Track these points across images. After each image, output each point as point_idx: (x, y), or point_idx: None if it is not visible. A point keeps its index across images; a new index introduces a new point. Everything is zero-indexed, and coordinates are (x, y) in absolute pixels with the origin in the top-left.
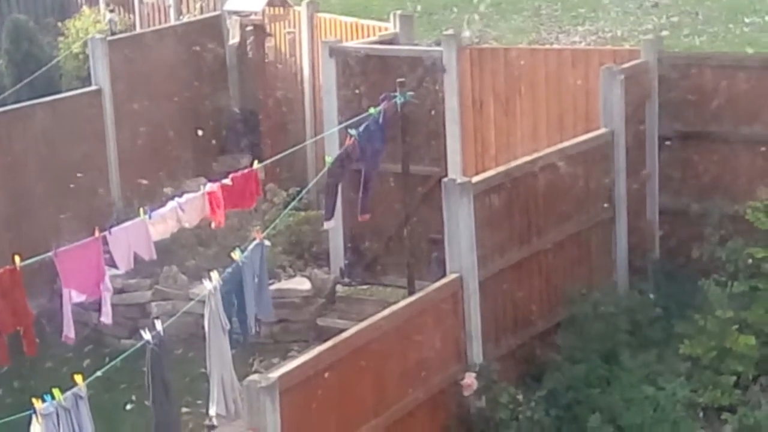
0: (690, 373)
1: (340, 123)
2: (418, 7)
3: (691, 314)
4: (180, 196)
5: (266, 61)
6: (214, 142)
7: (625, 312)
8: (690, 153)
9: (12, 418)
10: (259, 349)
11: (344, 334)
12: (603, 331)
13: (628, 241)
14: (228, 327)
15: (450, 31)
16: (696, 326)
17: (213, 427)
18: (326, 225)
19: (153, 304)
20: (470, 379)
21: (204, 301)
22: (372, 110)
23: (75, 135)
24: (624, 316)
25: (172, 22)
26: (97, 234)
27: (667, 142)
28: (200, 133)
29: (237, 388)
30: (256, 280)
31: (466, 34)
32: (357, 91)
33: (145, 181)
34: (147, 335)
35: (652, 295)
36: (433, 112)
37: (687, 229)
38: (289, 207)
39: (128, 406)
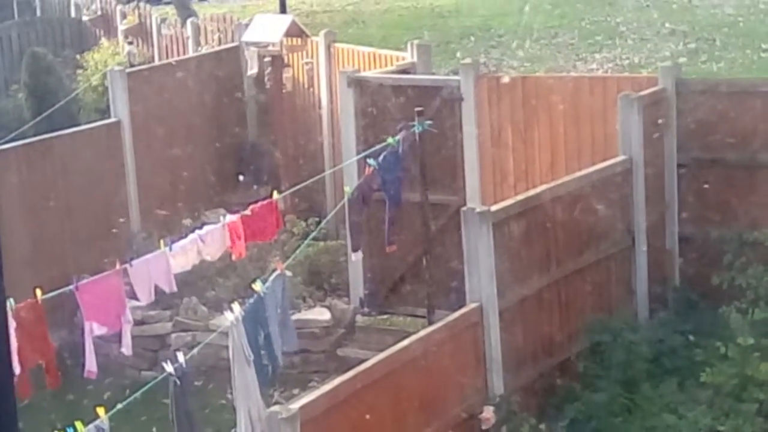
0: (711, 401)
1: (358, 153)
2: (436, 37)
3: (712, 342)
4: (200, 227)
5: (284, 91)
6: (232, 172)
7: (645, 340)
8: (709, 180)
9: None
10: (279, 379)
11: (364, 365)
12: (624, 360)
13: (648, 269)
14: (252, 358)
15: (467, 60)
16: (717, 354)
17: None
18: (354, 257)
19: (173, 335)
20: (488, 413)
21: (225, 333)
22: (390, 140)
23: (94, 167)
24: (645, 344)
25: (191, 53)
26: (117, 266)
27: (686, 169)
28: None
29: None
30: (279, 310)
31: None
32: (375, 121)
33: (163, 212)
34: (169, 367)
35: (672, 323)
36: (451, 141)
37: (707, 257)
38: (309, 238)
39: None
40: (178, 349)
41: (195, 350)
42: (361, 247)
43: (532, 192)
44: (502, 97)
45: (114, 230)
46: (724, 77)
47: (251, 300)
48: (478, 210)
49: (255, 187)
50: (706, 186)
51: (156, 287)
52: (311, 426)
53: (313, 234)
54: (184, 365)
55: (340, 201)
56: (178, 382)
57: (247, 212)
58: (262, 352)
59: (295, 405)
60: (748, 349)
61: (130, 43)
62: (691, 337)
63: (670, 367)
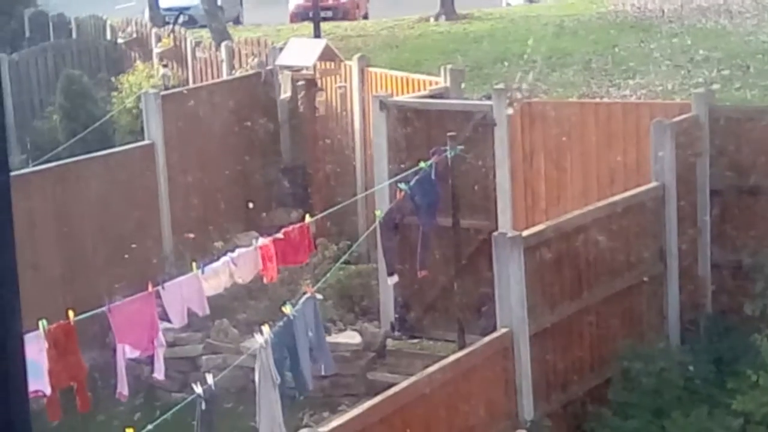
0: (742, 429)
1: (390, 177)
2: (469, 62)
3: (743, 370)
4: (232, 250)
5: (317, 115)
6: (264, 195)
7: (677, 367)
8: (742, 207)
9: None
10: (309, 402)
11: (394, 389)
12: (655, 387)
13: (680, 296)
14: (278, 381)
15: (500, 85)
16: (748, 382)
17: None
18: (389, 281)
19: (204, 357)
20: None
21: (255, 355)
22: (423, 164)
23: (128, 189)
24: (676, 371)
25: (225, 76)
26: (150, 289)
27: (718, 196)
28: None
29: None
30: (311, 334)
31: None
32: (407, 145)
33: (191, 235)
34: (198, 389)
35: (703, 351)
36: (483, 166)
37: (739, 284)
38: (340, 261)
39: None
40: (208, 371)
41: (224, 372)
42: (396, 271)
43: (563, 217)
44: (534, 122)
45: (146, 252)
46: (758, 104)
47: (281, 323)
48: (509, 235)
49: (287, 210)
50: (738, 213)
51: (189, 310)
52: None
53: (344, 257)
54: (213, 387)
55: (372, 225)
56: (204, 405)
57: (280, 235)
58: (287, 373)
59: (325, 428)
60: None
61: (165, 65)
62: (722, 365)
63: (701, 394)
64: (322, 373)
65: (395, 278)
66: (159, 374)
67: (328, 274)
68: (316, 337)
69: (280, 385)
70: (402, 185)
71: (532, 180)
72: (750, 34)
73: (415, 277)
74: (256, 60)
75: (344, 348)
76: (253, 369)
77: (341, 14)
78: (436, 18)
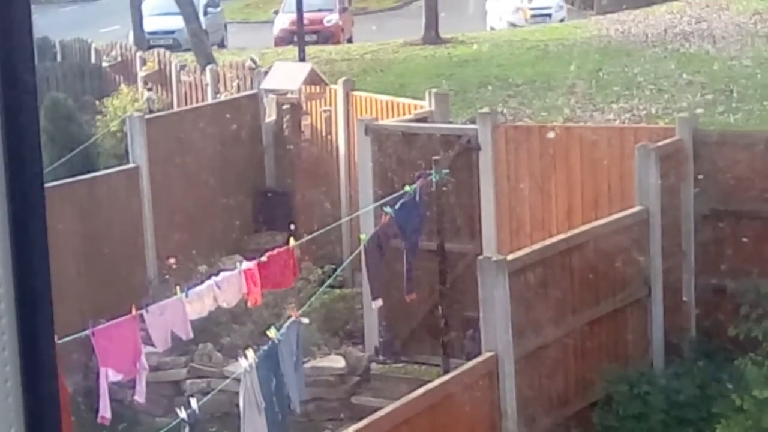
0: None
1: (375, 201)
2: (453, 86)
3: (728, 394)
4: (216, 274)
5: (302, 138)
6: (250, 219)
7: (661, 391)
8: (726, 231)
9: None
10: (293, 427)
11: (379, 413)
12: (639, 411)
13: (664, 319)
14: (263, 405)
15: (485, 109)
16: (732, 406)
17: None
18: (374, 305)
19: (188, 381)
20: None
21: (239, 379)
22: (408, 188)
23: (112, 212)
24: (660, 395)
25: (210, 100)
26: (134, 312)
27: (702, 220)
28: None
29: None
30: (294, 357)
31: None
32: (392, 169)
33: (172, 260)
34: (182, 413)
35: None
36: (468, 190)
37: (723, 308)
38: (325, 285)
39: None
40: (192, 395)
41: (208, 396)
42: (381, 295)
43: (548, 241)
44: (519, 146)
45: (130, 275)
46: (741, 128)
47: (265, 347)
48: (494, 259)
49: (271, 233)
50: (722, 237)
51: (172, 333)
52: None
53: (329, 281)
54: (197, 411)
55: (357, 249)
56: (188, 429)
57: (264, 259)
58: (274, 398)
59: None
60: (764, 402)
61: (150, 89)
62: (707, 389)
63: (685, 418)
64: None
65: (380, 302)
66: (140, 397)
67: (313, 298)
68: (296, 362)
69: (265, 410)
70: (387, 209)
71: (516, 204)
72: (733, 59)
73: (400, 301)
74: (236, 83)
75: (328, 372)
76: (237, 393)
77: (326, 38)
78: (421, 42)
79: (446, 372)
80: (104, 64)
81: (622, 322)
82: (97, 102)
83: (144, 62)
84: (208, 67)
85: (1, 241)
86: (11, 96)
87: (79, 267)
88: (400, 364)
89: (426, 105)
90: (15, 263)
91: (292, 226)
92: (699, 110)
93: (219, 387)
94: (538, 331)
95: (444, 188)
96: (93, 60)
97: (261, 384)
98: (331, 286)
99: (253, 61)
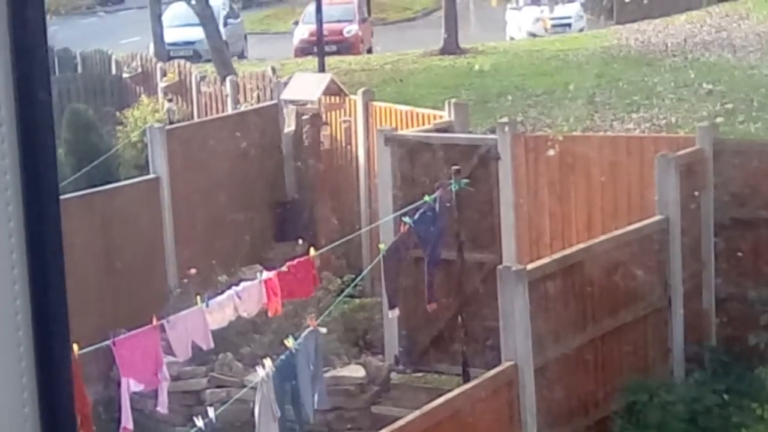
0: None
1: (395, 211)
2: (473, 96)
3: (747, 403)
4: (237, 284)
5: (322, 149)
6: (269, 229)
7: (681, 400)
8: (746, 240)
9: None
10: None
11: (398, 423)
12: (659, 420)
13: (684, 329)
14: (279, 415)
15: (504, 119)
16: (753, 415)
17: None
18: (390, 314)
19: (208, 391)
20: None
21: (256, 388)
22: (427, 198)
23: (133, 223)
24: (680, 404)
25: (230, 111)
26: (154, 322)
27: (723, 229)
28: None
29: None
30: (312, 367)
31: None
32: (412, 179)
33: (193, 271)
34: (200, 422)
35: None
36: (487, 200)
37: (743, 317)
38: (344, 294)
39: None
40: (212, 405)
41: (225, 406)
42: (398, 304)
43: (568, 251)
44: (539, 156)
45: (151, 285)
46: (762, 138)
47: (282, 356)
48: (513, 268)
49: (291, 243)
50: (742, 246)
51: (193, 343)
52: None
53: (348, 291)
54: (214, 421)
55: (376, 258)
56: None
57: (284, 269)
58: (287, 406)
59: None
60: None
61: (170, 100)
62: (727, 398)
63: (705, 427)
64: (315, 407)
65: (396, 312)
66: (162, 408)
67: (332, 308)
68: (315, 371)
69: (281, 419)
70: (406, 219)
71: (536, 213)
72: (753, 68)
73: (420, 310)
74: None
75: (348, 381)
76: (254, 402)
77: (345, 48)
78: (441, 52)
79: (466, 381)
80: (125, 75)
81: (642, 332)
82: (118, 113)
83: (164, 73)
84: (228, 78)
85: (17, 256)
86: (27, 110)
87: (99, 277)
88: (420, 374)
89: (445, 115)
90: (31, 276)
91: (301, 241)
92: (719, 119)
93: (235, 396)
94: (557, 341)
95: (469, 196)
96: (113, 71)
97: (277, 393)
98: (351, 296)
99: (273, 70)
